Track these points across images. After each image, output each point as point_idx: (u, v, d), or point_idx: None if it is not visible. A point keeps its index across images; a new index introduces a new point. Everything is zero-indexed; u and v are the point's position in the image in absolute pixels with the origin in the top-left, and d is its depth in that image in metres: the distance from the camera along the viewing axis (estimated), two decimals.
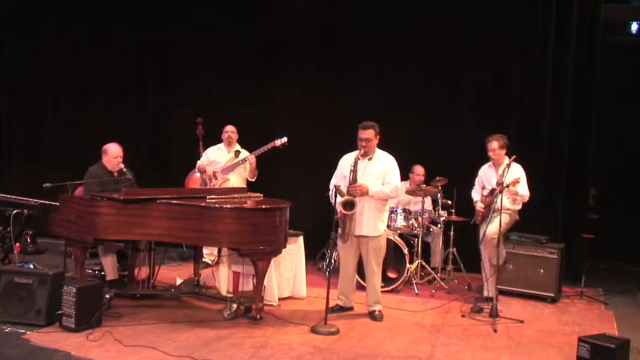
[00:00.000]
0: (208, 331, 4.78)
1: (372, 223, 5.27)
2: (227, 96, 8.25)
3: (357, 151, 5.30)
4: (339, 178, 5.37)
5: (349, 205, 5.12)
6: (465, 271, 6.88)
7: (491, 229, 5.78)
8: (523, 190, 5.93)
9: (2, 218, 6.51)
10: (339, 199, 5.18)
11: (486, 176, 6.22)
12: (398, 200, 6.88)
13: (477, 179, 6.38)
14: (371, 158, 5.28)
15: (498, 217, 5.72)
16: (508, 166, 5.77)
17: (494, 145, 6.05)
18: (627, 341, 4.41)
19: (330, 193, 5.36)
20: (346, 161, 5.38)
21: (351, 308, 5.53)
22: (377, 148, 5.35)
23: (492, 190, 5.93)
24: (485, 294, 6.03)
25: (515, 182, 5.72)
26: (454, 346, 4.76)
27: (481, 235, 6.00)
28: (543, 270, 6.25)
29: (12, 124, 9.23)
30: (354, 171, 5.17)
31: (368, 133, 5.23)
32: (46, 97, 9.11)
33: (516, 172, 5.90)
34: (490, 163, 6.17)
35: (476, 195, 6.34)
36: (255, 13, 8.21)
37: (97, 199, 5.07)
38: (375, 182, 5.21)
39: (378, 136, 5.30)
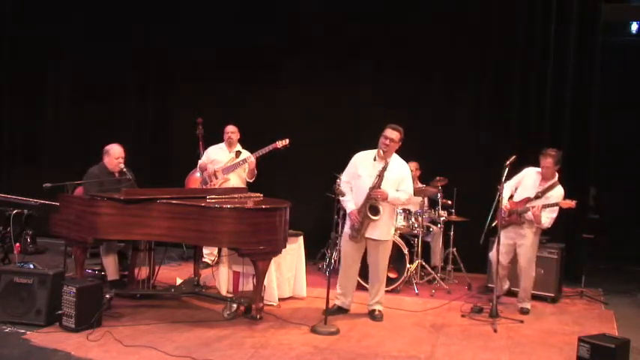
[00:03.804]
0: (208, 331, 4.77)
1: (386, 228, 5.28)
2: (227, 96, 8.26)
3: (372, 151, 5.29)
4: (352, 175, 5.35)
5: (374, 210, 5.12)
6: (465, 271, 6.88)
7: (525, 261, 5.79)
8: (546, 219, 5.66)
9: (2, 218, 6.51)
10: (346, 197, 5.25)
11: (529, 181, 5.83)
12: None
13: (516, 176, 5.88)
14: (387, 162, 5.23)
15: (525, 245, 5.76)
16: (554, 184, 5.71)
17: (548, 162, 5.68)
18: (627, 341, 4.41)
19: (336, 186, 5.42)
20: (362, 160, 5.34)
21: (348, 310, 5.50)
22: (394, 154, 5.33)
23: (527, 200, 5.74)
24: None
25: (553, 206, 5.61)
26: (454, 346, 4.75)
27: (500, 243, 5.76)
28: (543, 270, 6.25)
29: (12, 124, 9.24)
30: (381, 177, 5.13)
31: (394, 134, 5.21)
32: (46, 97, 9.12)
33: (557, 196, 5.67)
34: (540, 170, 5.78)
35: (505, 190, 5.77)
36: (255, 13, 8.22)
37: (97, 199, 5.07)
38: (389, 188, 5.20)
39: (400, 143, 5.28)
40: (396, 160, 5.32)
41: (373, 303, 5.42)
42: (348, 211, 5.29)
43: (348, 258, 5.41)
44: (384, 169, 5.14)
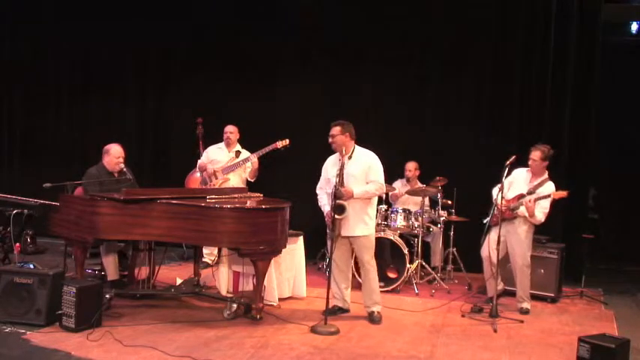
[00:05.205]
0: (208, 331, 4.77)
1: (360, 223, 5.24)
2: (227, 96, 8.26)
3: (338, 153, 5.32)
4: (325, 181, 5.38)
5: (339, 209, 5.11)
6: (465, 271, 6.88)
7: (519, 256, 5.77)
8: (540, 213, 5.68)
9: (2, 218, 6.52)
10: (322, 201, 5.28)
11: (520, 179, 5.87)
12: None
13: (507, 179, 5.77)
14: (350, 157, 5.24)
15: (517, 240, 5.73)
16: (545, 180, 5.72)
17: (536, 155, 5.72)
18: (627, 341, 4.40)
19: (319, 197, 5.42)
20: (329, 164, 5.41)
21: (348, 310, 5.49)
22: (357, 146, 5.32)
23: (520, 196, 5.75)
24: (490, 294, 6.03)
25: (546, 197, 5.61)
26: (454, 346, 4.75)
27: (492, 240, 5.68)
28: (543, 270, 6.25)
29: (12, 124, 9.24)
30: (340, 175, 5.13)
31: (334, 130, 5.25)
32: (46, 96, 9.13)
33: (547, 190, 5.69)
34: (529, 169, 5.85)
35: (499, 193, 5.71)
36: (255, 13, 8.22)
37: (97, 199, 5.07)
38: (357, 182, 5.19)
39: (347, 134, 5.24)
40: (359, 152, 5.30)
41: (371, 304, 5.35)
42: (325, 214, 5.31)
43: (336, 258, 5.38)
44: (341, 168, 5.14)
